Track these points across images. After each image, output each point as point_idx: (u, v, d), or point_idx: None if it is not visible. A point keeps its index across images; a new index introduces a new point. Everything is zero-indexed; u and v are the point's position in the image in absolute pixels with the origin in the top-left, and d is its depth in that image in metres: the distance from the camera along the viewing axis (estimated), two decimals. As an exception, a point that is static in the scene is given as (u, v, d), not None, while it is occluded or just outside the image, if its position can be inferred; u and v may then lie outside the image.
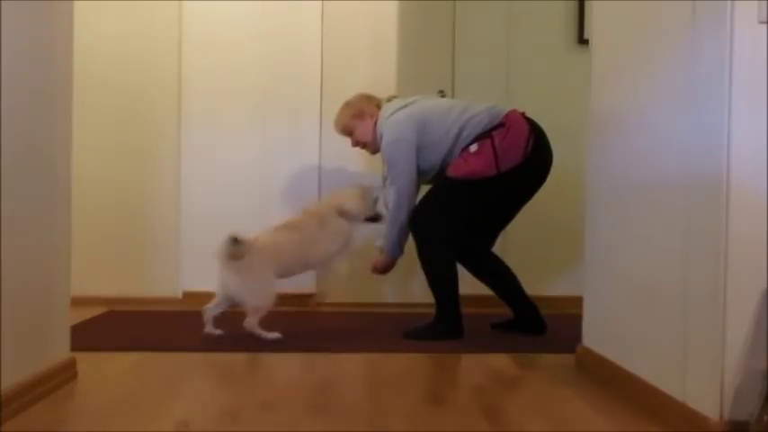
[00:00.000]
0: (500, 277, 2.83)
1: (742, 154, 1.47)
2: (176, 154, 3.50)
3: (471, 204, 2.72)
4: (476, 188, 2.67)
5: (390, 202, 2.76)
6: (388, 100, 2.92)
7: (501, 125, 2.67)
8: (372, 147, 2.92)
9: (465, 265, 2.85)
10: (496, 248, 2.91)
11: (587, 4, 3.44)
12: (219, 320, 2.66)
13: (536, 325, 2.79)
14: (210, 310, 2.67)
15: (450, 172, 2.69)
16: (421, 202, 2.76)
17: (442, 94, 3.47)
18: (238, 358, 2.33)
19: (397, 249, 2.80)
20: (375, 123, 2.86)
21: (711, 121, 1.52)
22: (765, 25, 1.47)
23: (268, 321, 2.60)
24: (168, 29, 3.48)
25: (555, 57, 3.58)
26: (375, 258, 2.91)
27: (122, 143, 3.48)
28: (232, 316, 3.12)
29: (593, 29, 2.28)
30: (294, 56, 3.52)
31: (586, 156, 2.28)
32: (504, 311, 2.86)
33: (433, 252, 2.71)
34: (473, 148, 2.65)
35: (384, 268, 2.87)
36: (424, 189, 2.86)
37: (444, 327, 2.69)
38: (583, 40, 3.49)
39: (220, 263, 2.59)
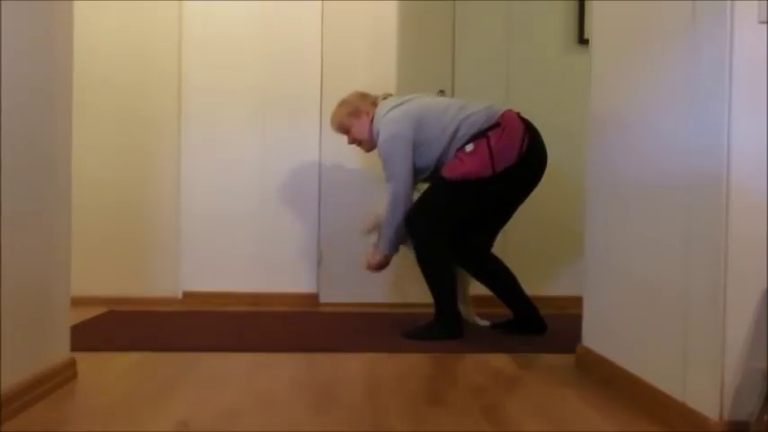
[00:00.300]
0: (499, 278, 2.83)
1: (742, 154, 1.47)
2: (176, 153, 3.50)
3: (468, 205, 2.72)
4: (472, 188, 2.67)
5: (386, 201, 2.75)
6: (384, 98, 2.92)
7: (497, 125, 2.67)
8: (368, 144, 2.92)
9: (464, 266, 2.85)
10: (496, 248, 2.91)
11: (587, 4, 3.44)
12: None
13: (536, 325, 2.79)
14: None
15: (446, 173, 2.69)
16: (418, 202, 2.75)
17: (441, 93, 3.47)
18: (238, 358, 2.32)
19: (392, 247, 2.80)
20: (371, 121, 2.86)
21: (711, 121, 1.52)
22: (765, 25, 1.47)
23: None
24: (168, 29, 3.48)
25: (555, 57, 3.58)
26: (368, 255, 2.89)
27: (122, 143, 3.48)
28: (231, 315, 3.12)
29: (593, 29, 2.28)
30: (294, 56, 3.53)
31: (586, 155, 2.28)
32: (504, 312, 2.86)
33: (431, 252, 2.71)
34: (469, 147, 2.65)
35: (378, 265, 2.87)
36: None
37: (444, 326, 2.69)
38: (583, 40, 3.49)
39: None
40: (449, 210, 2.72)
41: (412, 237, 2.73)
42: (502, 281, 2.83)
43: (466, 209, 2.73)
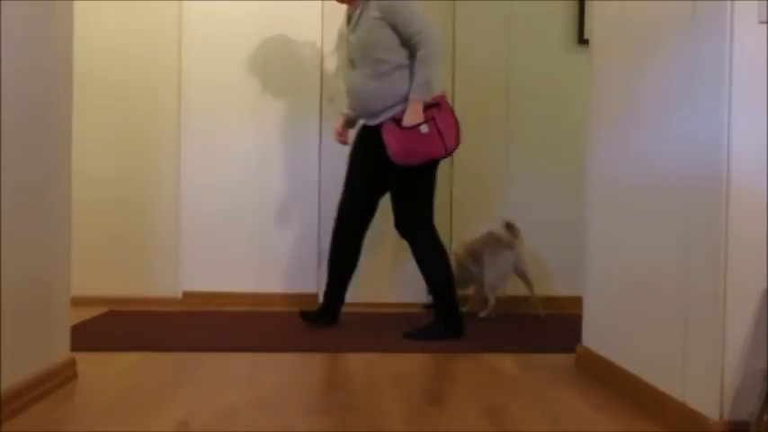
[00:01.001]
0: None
1: (742, 154, 1.48)
2: (176, 152, 3.50)
3: (433, 182, 2.77)
4: (432, 168, 2.72)
5: (429, 47, 2.65)
6: None
7: (436, 105, 2.67)
8: None
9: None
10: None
11: (587, 4, 3.43)
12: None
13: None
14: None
15: (405, 159, 2.66)
16: (397, 201, 2.77)
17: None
18: (238, 358, 2.32)
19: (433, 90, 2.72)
20: None
21: (711, 121, 1.52)
22: (765, 25, 1.47)
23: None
24: (168, 28, 3.48)
25: (555, 57, 3.57)
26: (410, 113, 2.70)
27: (123, 142, 3.48)
28: (231, 315, 3.12)
29: (594, 29, 2.28)
30: (294, 54, 3.52)
31: (586, 155, 2.28)
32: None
33: (428, 237, 2.73)
34: (424, 129, 2.64)
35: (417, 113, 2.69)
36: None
37: (444, 326, 2.69)
38: (583, 40, 3.49)
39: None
40: (426, 193, 2.75)
41: (410, 234, 2.74)
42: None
43: (433, 186, 2.78)
